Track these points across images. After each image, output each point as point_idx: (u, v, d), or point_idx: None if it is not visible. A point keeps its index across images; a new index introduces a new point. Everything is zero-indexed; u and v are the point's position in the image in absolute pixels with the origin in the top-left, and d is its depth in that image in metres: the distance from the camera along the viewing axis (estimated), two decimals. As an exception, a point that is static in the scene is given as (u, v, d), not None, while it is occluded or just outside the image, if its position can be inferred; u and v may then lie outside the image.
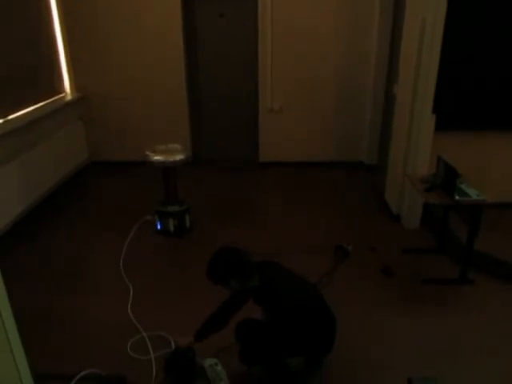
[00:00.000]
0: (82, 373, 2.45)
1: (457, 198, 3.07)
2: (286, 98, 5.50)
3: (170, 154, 3.83)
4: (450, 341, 2.76)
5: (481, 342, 2.76)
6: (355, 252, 3.70)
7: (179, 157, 3.81)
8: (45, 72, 4.97)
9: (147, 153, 3.84)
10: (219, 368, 2.40)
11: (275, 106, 5.52)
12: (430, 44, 3.58)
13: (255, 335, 2.30)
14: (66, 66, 5.34)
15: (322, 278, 3.34)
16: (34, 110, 4.66)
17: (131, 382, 2.43)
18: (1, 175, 3.86)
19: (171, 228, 4.00)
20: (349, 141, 5.69)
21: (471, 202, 3.08)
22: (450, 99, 3.92)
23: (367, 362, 2.58)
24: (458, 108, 3.99)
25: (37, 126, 4.59)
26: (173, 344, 2.68)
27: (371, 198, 4.81)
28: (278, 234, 4.06)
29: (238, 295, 2.29)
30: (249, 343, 2.31)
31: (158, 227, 4.04)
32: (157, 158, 3.79)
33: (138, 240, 3.93)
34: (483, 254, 3.56)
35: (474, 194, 3.12)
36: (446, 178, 3.21)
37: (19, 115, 4.41)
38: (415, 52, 3.70)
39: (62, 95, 5.30)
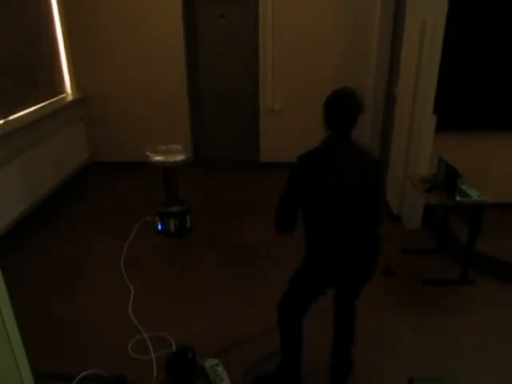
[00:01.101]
0: (83, 373, 2.45)
1: (458, 198, 3.07)
2: (286, 98, 5.49)
3: (170, 154, 3.83)
4: (450, 341, 2.76)
5: (481, 342, 2.76)
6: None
7: (180, 157, 3.81)
8: (45, 72, 4.97)
9: (148, 153, 3.84)
10: (220, 368, 2.40)
11: (276, 107, 5.52)
12: (430, 45, 3.58)
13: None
14: (66, 66, 5.35)
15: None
16: (34, 111, 4.66)
17: (132, 382, 2.43)
18: (2, 175, 3.86)
19: (172, 228, 4.00)
20: (349, 141, 5.68)
21: (472, 203, 3.08)
22: (450, 100, 3.92)
23: (367, 362, 2.58)
24: (458, 108, 3.99)
25: (37, 127, 4.59)
26: (173, 344, 2.68)
27: (371, 198, 4.80)
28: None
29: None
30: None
31: (159, 227, 4.04)
32: (157, 158, 3.79)
33: (139, 240, 3.93)
34: (483, 254, 3.56)
35: (474, 194, 3.12)
36: (446, 179, 3.21)
37: (20, 116, 4.41)
38: (416, 53, 3.70)
39: (62, 95, 5.30)
